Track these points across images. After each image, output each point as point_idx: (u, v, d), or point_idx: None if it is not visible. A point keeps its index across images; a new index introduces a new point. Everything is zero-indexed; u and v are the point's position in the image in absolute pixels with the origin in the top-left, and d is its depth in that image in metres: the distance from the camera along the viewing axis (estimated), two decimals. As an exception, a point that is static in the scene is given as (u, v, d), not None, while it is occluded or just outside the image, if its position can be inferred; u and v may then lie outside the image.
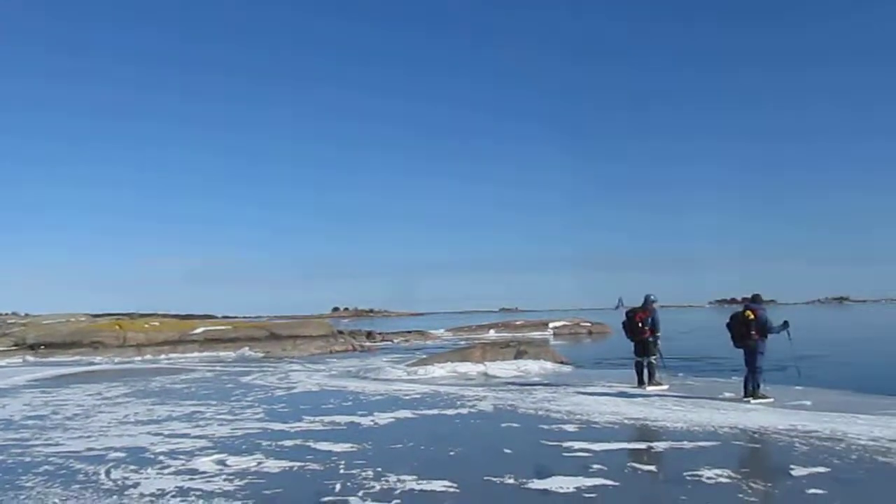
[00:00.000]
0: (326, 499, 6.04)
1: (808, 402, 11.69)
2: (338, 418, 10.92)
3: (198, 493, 6.37)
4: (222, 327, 35.79)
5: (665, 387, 14.11)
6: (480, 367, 19.38)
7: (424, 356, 23.76)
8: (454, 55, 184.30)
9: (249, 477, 6.97)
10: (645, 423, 9.89)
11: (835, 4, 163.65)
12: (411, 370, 19.76)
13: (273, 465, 7.49)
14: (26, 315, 58.37)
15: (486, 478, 6.63)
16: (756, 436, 8.72)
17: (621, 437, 8.88)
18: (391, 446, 8.52)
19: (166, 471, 7.35)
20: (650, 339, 14.28)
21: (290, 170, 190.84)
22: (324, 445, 8.56)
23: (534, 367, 19.60)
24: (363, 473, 6.94)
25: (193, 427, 10.38)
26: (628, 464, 7.22)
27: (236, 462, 7.67)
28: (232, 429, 10.12)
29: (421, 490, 6.27)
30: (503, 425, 10.02)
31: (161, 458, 8.05)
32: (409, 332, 48.62)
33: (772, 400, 11.88)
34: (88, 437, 9.74)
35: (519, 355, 20.72)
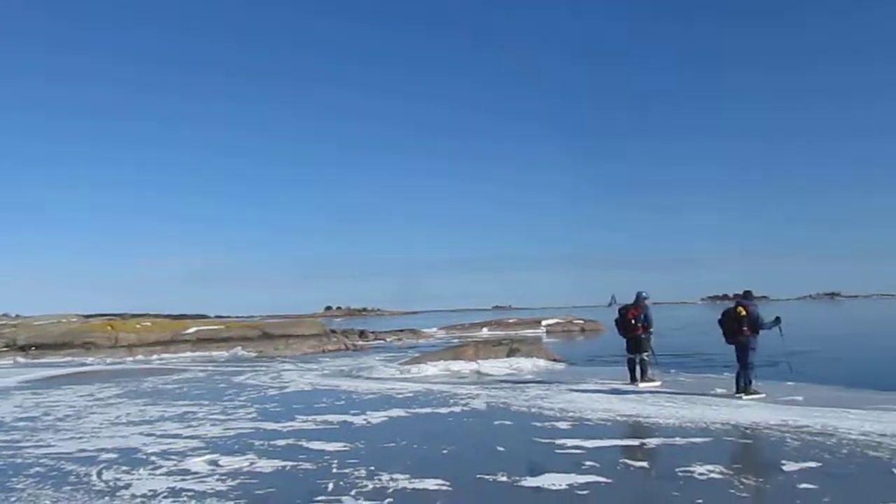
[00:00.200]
0: (319, 498, 6.03)
1: (800, 398, 11.73)
2: (330, 417, 10.91)
3: (190, 493, 6.35)
4: (215, 327, 35.68)
5: (657, 383, 14.15)
6: (473, 366, 19.38)
7: (417, 354, 23.74)
8: (454, 55, 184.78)
9: (242, 477, 6.95)
10: (637, 420, 9.92)
11: (834, 4, 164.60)
12: (404, 369, 19.74)
13: (265, 465, 7.48)
14: (17, 316, 57.96)
15: (478, 476, 6.64)
16: (748, 431, 8.76)
17: (614, 433, 8.90)
18: (384, 445, 8.52)
19: (158, 471, 7.33)
20: (643, 335, 14.32)
21: (285, 170, 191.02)
22: (316, 445, 8.55)
23: (527, 364, 19.61)
24: (356, 472, 6.94)
25: (185, 427, 10.35)
26: (621, 460, 7.24)
27: (228, 462, 7.65)
28: (224, 429, 10.09)
29: (413, 489, 6.27)
30: (496, 423, 10.04)
31: (153, 458, 8.03)
32: (402, 330, 48.52)
33: (763, 396, 11.92)
34: (80, 438, 9.70)
35: (512, 353, 20.73)
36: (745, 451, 7.93)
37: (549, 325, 48.76)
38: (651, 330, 14.49)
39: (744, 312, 12.10)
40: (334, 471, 7.08)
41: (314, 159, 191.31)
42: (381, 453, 7.98)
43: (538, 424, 9.64)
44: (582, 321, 50.05)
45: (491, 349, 21.19)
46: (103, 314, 51.81)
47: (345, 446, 8.39)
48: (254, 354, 30.23)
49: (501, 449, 8.08)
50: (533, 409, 11.09)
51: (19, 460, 8.25)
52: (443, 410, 11.41)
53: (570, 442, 8.19)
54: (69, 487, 6.76)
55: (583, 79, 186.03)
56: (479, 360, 19.85)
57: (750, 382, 12.15)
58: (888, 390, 12.41)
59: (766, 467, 6.87)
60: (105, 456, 8.27)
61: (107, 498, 6.32)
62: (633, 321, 14.32)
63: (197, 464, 7.63)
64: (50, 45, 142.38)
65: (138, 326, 35.54)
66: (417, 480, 6.51)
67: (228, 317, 63.40)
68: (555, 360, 20.80)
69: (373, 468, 7.08)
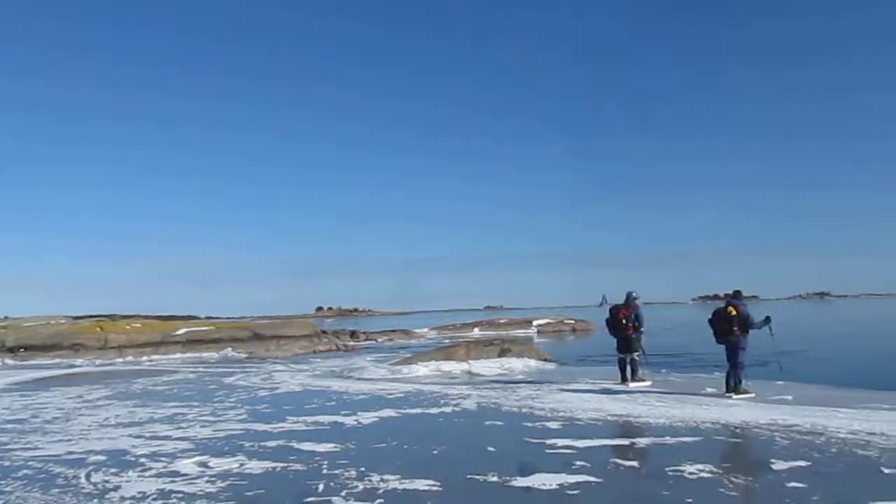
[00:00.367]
0: (309, 499, 6.01)
1: (790, 397, 11.78)
2: (321, 418, 10.88)
3: (179, 495, 6.32)
4: (205, 328, 35.58)
5: (648, 383, 14.18)
6: (464, 366, 19.39)
7: (408, 355, 23.73)
8: (454, 55, 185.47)
9: (232, 478, 6.92)
10: (628, 420, 9.93)
11: (833, 3, 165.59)
12: (395, 369, 19.73)
13: (256, 466, 7.45)
14: (5, 318, 57.58)
15: (469, 476, 6.63)
16: (738, 431, 8.78)
17: (604, 433, 8.91)
18: (375, 446, 8.50)
19: (147, 473, 7.29)
20: (633, 335, 14.34)
21: (279, 170, 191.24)
22: (307, 446, 8.53)
23: (518, 364, 19.62)
24: (346, 473, 6.92)
25: (175, 429, 10.31)
26: (611, 460, 7.24)
27: (218, 463, 7.61)
28: (214, 430, 10.05)
29: (404, 489, 6.25)
30: (487, 423, 10.03)
31: (142, 460, 7.98)
32: (394, 331, 48.51)
33: (753, 395, 11.96)
34: (69, 440, 9.63)
35: (503, 353, 20.74)
36: (734, 451, 7.95)
37: (540, 326, 48.85)
38: (642, 330, 14.52)
39: (734, 312, 12.14)
40: (325, 472, 7.06)
41: (308, 159, 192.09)
42: (371, 454, 7.97)
43: (529, 424, 9.64)
44: (573, 321, 50.15)
45: (482, 349, 21.19)
46: (92, 315, 51.57)
47: (335, 447, 8.36)
48: (244, 355, 30.16)
49: (492, 449, 8.08)
50: (524, 410, 11.10)
51: (7, 463, 8.19)
52: (433, 411, 11.40)
53: (560, 442, 8.19)
54: (57, 490, 6.71)
55: (580, 77, 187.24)
56: (470, 361, 19.86)
57: (740, 382, 12.19)
58: (877, 389, 12.49)
59: (756, 466, 6.90)
60: (94, 458, 8.21)
61: (95, 500, 6.28)
62: (623, 321, 14.34)
63: (186, 465, 7.59)
64: (49, 46, 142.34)
65: (128, 328, 35.37)
66: (408, 481, 6.50)
67: (219, 318, 63.18)
68: (546, 360, 20.83)
69: (363, 469, 7.06)
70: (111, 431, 10.31)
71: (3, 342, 33.05)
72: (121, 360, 29.74)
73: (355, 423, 10.41)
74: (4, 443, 9.62)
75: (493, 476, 6.58)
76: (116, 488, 6.67)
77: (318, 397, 13.85)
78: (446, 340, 35.27)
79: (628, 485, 6.34)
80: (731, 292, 12.73)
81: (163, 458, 8.02)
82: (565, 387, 14.12)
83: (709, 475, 6.41)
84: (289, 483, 6.70)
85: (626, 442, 8.44)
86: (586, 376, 16.30)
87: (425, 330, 50.61)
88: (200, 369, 23.22)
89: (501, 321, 53.24)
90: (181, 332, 33.85)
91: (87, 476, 7.26)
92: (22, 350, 31.91)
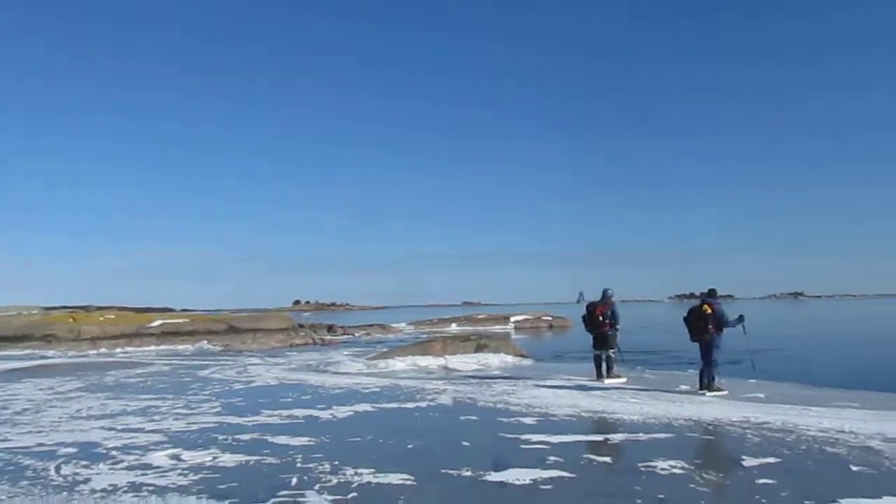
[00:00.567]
0: (283, 493, 5.98)
1: (762, 395, 11.93)
2: (296, 412, 10.83)
3: (151, 488, 6.26)
4: (180, 320, 35.24)
5: (623, 380, 14.27)
6: (441, 361, 19.40)
7: (385, 350, 23.71)
8: (453, 54, 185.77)
9: (204, 471, 6.87)
10: (602, 416, 9.99)
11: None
12: (371, 364, 19.69)
13: (229, 460, 7.40)
14: (-24, 308, 56.74)
15: (443, 470, 6.64)
16: (710, 427, 8.87)
17: (578, 429, 8.95)
18: (349, 440, 8.48)
19: (119, 466, 7.21)
20: (610, 332, 14.43)
21: (258, 164, 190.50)
22: (281, 439, 8.49)
23: (494, 360, 19.67)
24: (320, 467, 6.90)
25: (148, 421, 10.21)
26: (585, 456, 7.29)
27: (191, 456, 7.56)
28: (188, 423, 9.97)
29: (378, 483, 6.24)
30: (462, 418, 10.05)
31: (114, 453, 7.90)
32: (371, 325, 48.46)
33: (726, 392, 12.09)
34: (39, 432, 9.51)
35: (479, 349, 20.77)
36: (706, 447, 8.03)
37: (517, 322, 49.03)
38: (618, 327, 14.61)
39: (709, 310, 12.24)
40: (298, 465, 7.03)
41: (288, 155, 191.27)
42: (346, 448, 7.95)
43: (504, 420, 9.67)
44: (550, 318, 50.34)
45: (459, 345, 21.21)
46: (66, 306, 50.99)
47: (310, 441, 8.34)
48: (220, 348, 29.94)
49: (467, 444, 8.09)
50: (499, 405, 11.12)
51: (-25, 454, 8.06)
52: (409, 405, 11.39)
53: (535, 437, 8.22)
54: (26, 482, 6.62)
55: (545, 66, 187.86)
56: (446, 356, 19.87)
57: (713, 379, 12.32)
58: (847, 389, 12.70)
59: (727, 463, 6.98)
60: (64, 450, 8.11)
61: (65, 493, 6.20)
62: (600, 317, 14.41)
63: (159, 458, 7.53)
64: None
65: (101, 319, 34.97)
66: (382, 475, 6.49)
67: (195, 310, 62.82)
68: (522, 356, 20.89)
69: (337, 463, 7.05)
70: (82, 423, 10.18)
71: (-27, 332, 32.53)
72: (94, 351, 29.37)
73: (330, 417, 10.38)
74: (-28, 434, 9.48)
75: (467, 471, 6.59)
76: (86, 481, 6.60)
77: (293, 391, 13.78)
78: (423, 336, 35.27)
79: (601, 480, 6.38)
80: (706, 291, 12.83)
81: (135, 451, 7.94)
82: (541, 383, 14.18)
83: (681, 471, 6.47)
84: (262, 476, 6.67)
85: (599, 438, 8.49)
86: (562, 372, 16.38)
87: (403, 325, 50.56)
88: (175, 362, 23.01)
89: (479, 317, 53.36)
90: (156, 324, 33.50)
91: (57, 468, 7.17)
92: (-8, 341, 31.40)
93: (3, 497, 6.11)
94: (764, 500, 5.44)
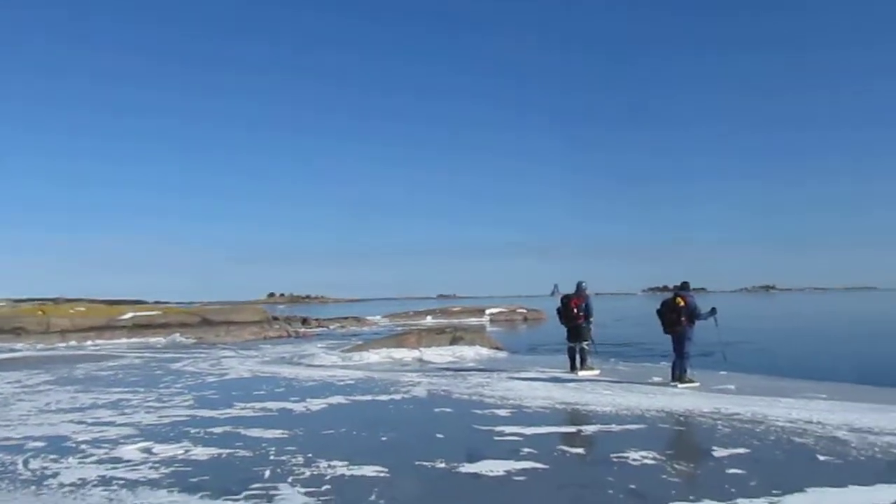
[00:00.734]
0: (255, 485, 5.94)
1: (732, 387, 12.09)
2: (270, 404, 10.77)
3: (121, 481, 6.18)
4: (152, 313, 34.89)
5: (597, 372, 14.38)
6: (416, 353, 19.41)
7: (360, 342, 23.66)
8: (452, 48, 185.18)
9: (176, 465, 6.81)
10: (575, 408, 10.06)
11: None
12: (346, 356, 19.63)
13: (201, 453, 7.33)
14: (-58, 300, 55.59)
15: (417, 463, 6.64)
16: (682, 419, 8.97)
17: (552, 421, 9.01)
18: (323, 432, 8.45)
19: (88, 460, 7.12)
20: (584, 324, 14.51)
21: (236, 158, 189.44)
22: (254, 432, 8.43)
23: (469, 352, 19.72)
24: (293, 460, 6.86)
25: (119, 415, 10.09)
26: (558, 447, 7.33)
27: (163, 450, 7.48)
28: (159, 416, 9.87)
29: (352, 475, 6.23)
30: (436, 410, 10.06)
31: (83, 446, 7.79)
32: (346, 318, 48.25)
33: (698, 384, 12.23)
34: (6, 425, 9.34)
35: (454, 341, 20.82)
36: (678, 438, 8.11)
37: (492, 314, 49.19)
38: (592, 319, 14.70)
39: (682, 303, 12.37)
40: (271, 458, 6.99)
41: (266, 149, 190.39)
42: (319, 440, 7.92)
43: (478, 412, 9.69)
44: (525, 310, 50.58)
45: (434, 337, 21.23)
46: (35, 298, 50.19)
47: (283, 433, 8.29)
48: (193, 341, 29.66)
49: (441, 436, 8.10)
50: (473, 397, 11.15)
51: (-60, 448, 7.91)
52: (383, 398, 11.38)
53: (508, 429, 8.25)
54: (-8, 476, 6.51)
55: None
56: (421, 348, 19.88)
57: (685, 371, 12.46)
58: (815, 380, 12.91)
59: (698, 453, 7.07)
60: (32, 444, 7.99)
61: (33, 487, 6.11)
62: (575, 310, 14.49)
63: (129, 451, 7.44)
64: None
65: (72, 311, 34.45)
66: (356, 467, 6.47)
67: (167, 303, 62.07)
68: (497, 348, 20.97)
69: (311, 455, 7.01)
70: (51, 417, 10.03)
71: (-61, 325, 31.88)
72: (63, 344, 28.93)
73: (304, 409, 10.34)
74: (-62, 428, 9.30)
75: (440, 462, 6.60)
76: (55, 475, 6.50)
77: (266, 384, 13.70)
78: (398, 328, 35.24)
79: (574, 471, 6.42)
80: (679, 284, 12.95)
81: (105, 445, 7.84)
82: (515, 375, 14.24)
83: (652, 461, 6.53)
84: (234, 469, 6.62)
85: (573, 429, 8.55)
86: (536, 365, 16.47)
87: (378, 317, 50.51)
88: (147, 355, 22.77)
89: (454, 309, 53.42)
90: (127, 316, 33.08)
91: (25, 462, 7.05)
92: (-41, 333, 30.80)
93: (-31, 492, 6.01)
94: (733, 490, 5.51)
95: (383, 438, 8.03)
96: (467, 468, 6.38)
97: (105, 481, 6.21)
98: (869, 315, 48.22)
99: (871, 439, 7.40)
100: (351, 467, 6.49)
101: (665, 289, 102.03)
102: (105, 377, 15.75)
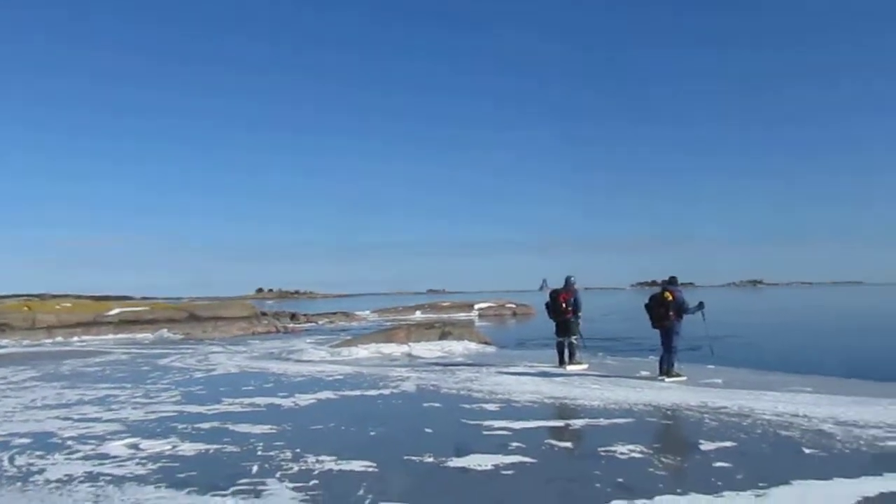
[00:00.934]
0: (243, 481, 5.92)
1: (720, 380, 12.16)
2: (258, 400, 10.74)
3: (108, 478, 6.15)
4: (139, 308, 34.67)
5: (585, 366, 14.41)
6: (405, 348, 19.41)
7: (349, 337, 23.64)
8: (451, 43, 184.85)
9: (163, 460, 6.78)
10: (564, 402, 10.09)
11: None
12: (335, 351, 19.61)
13: (188, 448, 7.31)
14: (-74, 296, 55.06)
15: (406, 457, 6.64)
16: (669, 412, 9.01)
17: (540, 415, 9.02)
18: (311, 427, 8.43)
19: (75, 456, 7.08)
20: (572, 319, 14.54)
21: (224, 154, 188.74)
22: (242, 427, 8.41)
23: (458, 347, 19.74)
24: (282, 455, 6.85)
25: (105, 411, 10.03)
26: (546, 441, 7.35)
27: (150, 446, 7.45)
28: (146, 412, 9.82)
29: (340, 470, 6.22)
30: (425, 405, 10.06)
31: (70, 443, 7.74)
32: (334, 313, 48.22)
33: (685, 378, 12.28)
34: (-9, 422, 9.29)
35: (443, 336, 20.82)
36: (665, 432, 8.16)
37: (481, 309, 49.23)
38: (580, 314, 14.73)
39: (670, 297, 12.41)
40: (259, 453, 6.97)
41: (254, 146, 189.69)
42: (308, 436, 7.91)
43: (467, 406, 9.70)
44: (514, 305, 50.60)
45: (423, 332, 21.24)
46: (20, 294, 49.82)
47: (271, 429, 8.27)
48: (180, 337, 29.55)
49: (429, 431, 8.11)
50: (462, 392, 11.16)
51: (-76, 445, 7.84)
52: (372, 393, 11.37)
53: (497, 423, 8.27)
54: (-23, 473, 6.46)
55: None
56: (410, 343, 19.88)
57: (672, 365, 12.51)
58: (802, 374, 12.99)
59: (685, 447, 7.10)
60: (18, 441, 7.93)
61: (19, 483, 6.07)
62: (563, 305, 14.51)
63: (116, 448, 7.40)
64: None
65: (58, 307, 34.25)
66: (344, 462, 6.47)
67: (155, 298, 61.80)
68: (486, 343, 20.99)
69: (299, 450, 7.00)
70: (37, 413, 9.97)
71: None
72: (49, 340, 28.73)
73: (292, 404, 10.31)
74: (-78, 425, 9.22)
75: (429, 457, 6.60)
76: (41, 471, 6.46)
77: (255, 379, 13.66)
78: (387, 323, 35.22)
79: (562, 465, 6.43)
80: (667, 278, 12.99)
81: (91, 441, 7.80)
82: (504, 369, 14.26)
83: (640, 455, 6.56)
84: (222, 464, 6.60)
85: (561, 424, 8.58)
86: (525, 359, 16.50)
87: (367, 313, 50.44)
88: (134, 351, 22.66)
89: (443, 304, 53.48)
90: (114, 312, 32.90)
91: (11, 459, 7.00)
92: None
93: (-46, 489, 5.96)
94: (720, 483, 5.54)
95: (372, 433, 8.03)
96: (456, 463, 6.38)
97: (92, 477, 6.17)
98: (855, 310, 48.63)
99: (856, 432, 7.46)
100: (339, 462, 6.48)
101: (653, 284, 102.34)
102: (92, 373, 15.66)
